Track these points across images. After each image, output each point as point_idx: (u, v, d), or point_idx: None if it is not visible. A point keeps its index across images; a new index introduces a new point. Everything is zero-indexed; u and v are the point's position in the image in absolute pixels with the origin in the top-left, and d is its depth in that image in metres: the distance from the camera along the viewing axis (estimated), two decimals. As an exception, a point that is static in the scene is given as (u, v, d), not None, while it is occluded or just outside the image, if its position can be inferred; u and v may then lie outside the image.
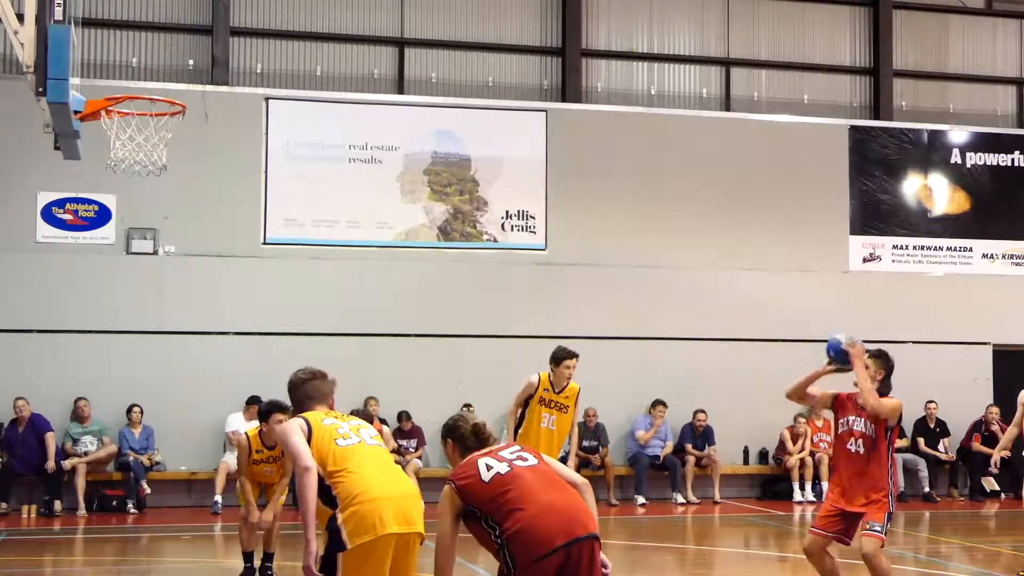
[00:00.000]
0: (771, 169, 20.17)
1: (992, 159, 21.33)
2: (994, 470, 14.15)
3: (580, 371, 18.67)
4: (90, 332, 17.18)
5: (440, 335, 18.45)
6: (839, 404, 8.88)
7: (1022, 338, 20.86)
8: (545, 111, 19.53)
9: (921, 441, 19.69)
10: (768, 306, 19.80)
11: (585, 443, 18.42)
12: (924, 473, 19.30)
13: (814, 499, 18.63)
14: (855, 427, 8.65)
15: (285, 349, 17.15)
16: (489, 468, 6.02)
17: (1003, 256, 21.25)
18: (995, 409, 19.55)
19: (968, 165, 21.14)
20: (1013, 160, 21.40)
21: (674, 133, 19.89)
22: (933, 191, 21.01)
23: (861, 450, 8.58)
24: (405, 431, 17.92)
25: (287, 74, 19.22)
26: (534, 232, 19.36)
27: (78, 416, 16.84)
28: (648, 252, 19.58)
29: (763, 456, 19.76)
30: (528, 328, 18.66)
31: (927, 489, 19.19)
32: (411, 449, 17.89)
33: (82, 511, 16.31)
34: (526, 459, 6.12)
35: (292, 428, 6.40)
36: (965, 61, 22.03)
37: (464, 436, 6.34)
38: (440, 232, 19.11)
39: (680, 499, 18.66)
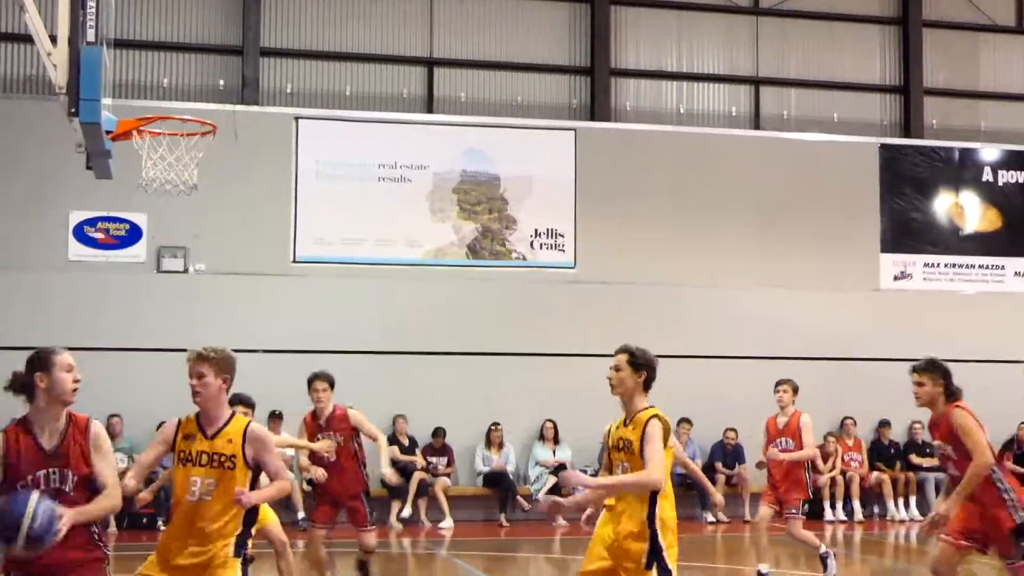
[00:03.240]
0: (801, 188, 20.40)
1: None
2: None
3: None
4: (121, 350, 17.26)
5: (469, 353, 18.48)
6: None
7: None
8: (574, 130, 19.73)
9: (953, 460, 19.34)
10: (797, 325, 19.83)
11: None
12: (957, 492, 18.94)
13: (845, 518, 18.78)
14: None
15: (314, 367, 17.08)
16: None
17: (1043, 274, 21.03)
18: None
19: (1000, 183, 21.37)
20: (1050, 176, 21.25)
21: (703, 152, 20.04)
22: (964, 209, 21.18)
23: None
24: (436, 448, 18.02)
25: (317, 94, 19.45)
26: (563, 250, 19.46)
27: (109, 433, 16.83)
28: (678, 270, 19.63)
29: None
30: (557, 346, 18.86)
31: (959, 508, 18.84)
32: (440, 467, 17.96)
33: (112, 528, 16.32)
34: None
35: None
36: (996, 79, 22.16)
37: None
38: (469, 250, 19.26)
39: (710, 518, 18.59)
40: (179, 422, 6.64)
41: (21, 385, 5.73)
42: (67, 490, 5.62)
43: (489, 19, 20.02)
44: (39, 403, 5.74)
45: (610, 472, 7.10)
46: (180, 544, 6.35)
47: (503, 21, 20.07)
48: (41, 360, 5.71)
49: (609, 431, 7.29)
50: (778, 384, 12.68)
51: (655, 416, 7.05)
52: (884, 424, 19.58)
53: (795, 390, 12.55)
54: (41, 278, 17.21)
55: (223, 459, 6.45)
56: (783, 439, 12.34)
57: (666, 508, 6.75)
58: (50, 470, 5.63)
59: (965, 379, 20.33)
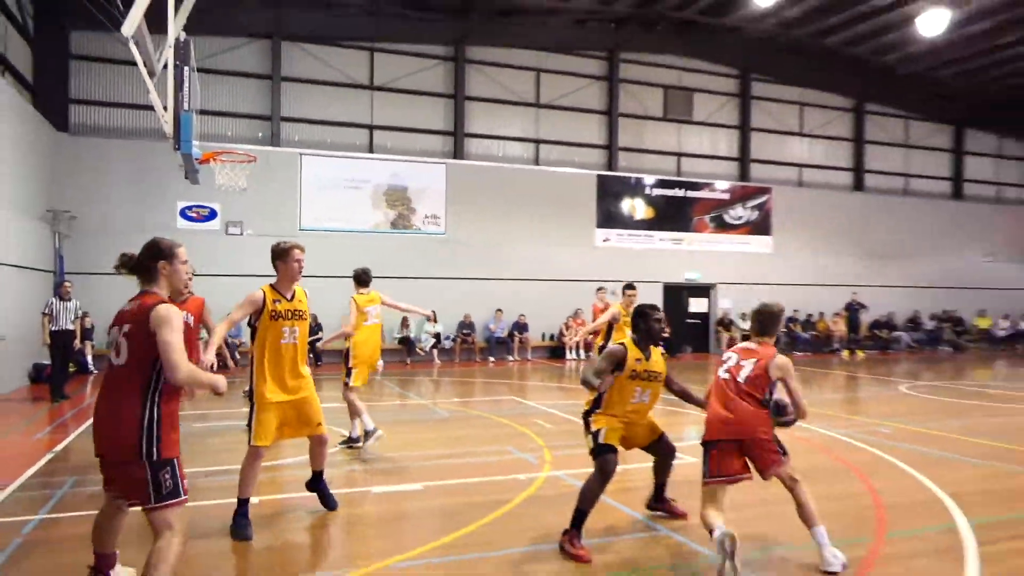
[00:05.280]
0: (558, 196, 20.68)
1: (665, 192, 21.93)
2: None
3: (473, 295, 19.06)
4: (208, 276, 16.92)
5: (394, 277, 18.06)
6: None
7: (675, 280, 21.77)
8: (446, 164, 19.75)
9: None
10: (555, 263, 20.37)
11: (465, 331, 19.04)
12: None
13: (576, 357, 19.26)
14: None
15: (311, 288, 17.23)
16: None
17: (669, 240, 21.93)
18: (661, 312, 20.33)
19: (654, 194, 21.75)
20: (675, 193, 22.03)
21: (509, 177, 20.27)
22: (637, 207, 21.55)
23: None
24: None
25: (313, 142, 19.09)
26: (439, 225, 19.57)
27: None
28: (501, 236, 19.96)
29: (551, 337, 20.34)
30: (438, 275, 19.20)
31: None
32: None
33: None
34: None
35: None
36: (653, 143, 22.19)
37: None
38: (392, 225, 19.22)
39: (511, 358, 19.34)
40: (263, 293, 5.27)
41: (137, 267, 3.72)
42: None
43: (404, 107, 19.67)
44: (159, 288, 3.69)
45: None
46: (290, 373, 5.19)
47: (411, 108, 19.77)
48: (164, 249, 3.73)
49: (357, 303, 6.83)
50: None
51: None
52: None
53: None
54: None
55: (301, 313, 5.35)
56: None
57: None
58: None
59: (640, 292, 21.01)
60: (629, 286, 9.85)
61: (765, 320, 4.90)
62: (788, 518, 4.87)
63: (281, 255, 5.31)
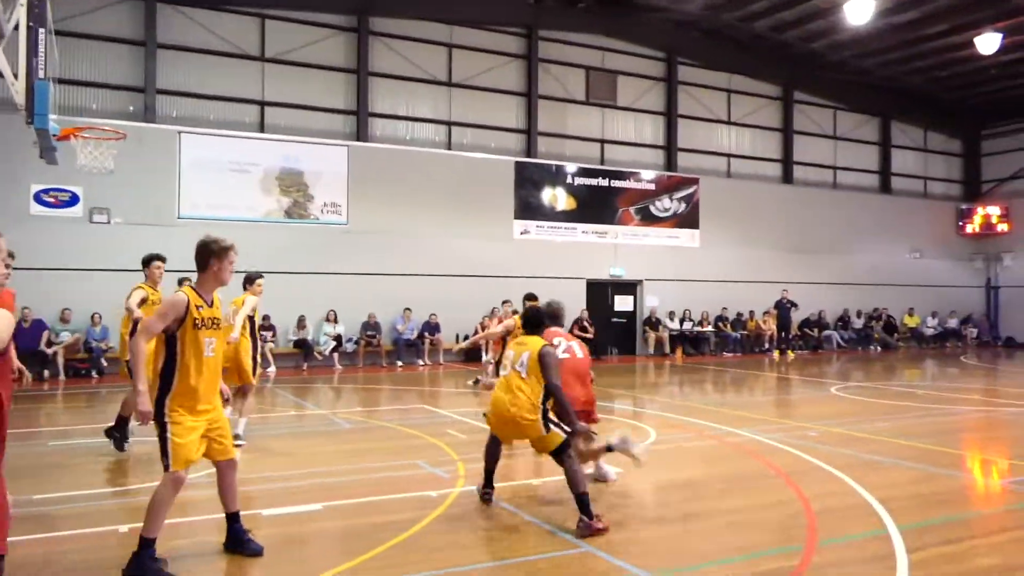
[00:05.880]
0: (473, 183, 20.70)
1: (588, 181, 22.25)
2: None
3: (378, 292, 19.21)
4: (68, 270, 16.42)
5: (286, 272, 17.92)
6: None
7: (599, 276, 22.26)
8: (347, 146, 19.52)
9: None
10: (469, 257, 20.40)
11: (370, 332, 19.01)
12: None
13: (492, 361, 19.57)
14: None
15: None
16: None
17: (593, 232, 22.30)
18: (586, 311, 20.98)
19: (576, 183, 22.03)
20: (599, 182, 22.45)
21: (418, 162, 20.17)
22: (558, 197, 21.75)
23: None
24: (266, 327, 17.46)
25: (192, 118, 18.51)
26: (340, 214, 19.31)
27: (63, 319, 16.19)
28: (410, 228, 19.82)
29: (466, 338, 20.24)
30: (337, 269, 19.01)
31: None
32: (268, 337, 17.63)
33: (62, 376, 15.94)
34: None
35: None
36: (575, 127, 22.62)
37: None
38: (286, 213, 18.88)
39: (421, 362, 19.35)
40: (187, 297, 4.82)
41: None
42: None
43: (299, 82, 19.30)
44: None
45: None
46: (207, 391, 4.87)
47: (308, 83, 19.41)
48: None
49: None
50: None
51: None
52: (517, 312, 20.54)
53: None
54: (12, 225, 15.32)
55: (218, 322, 4.95)
56: None
57: None
58: None
59: (558, 289, 21.56)
60: (529, 297, 11.43)
61: (559, 315, 6.75)
62: (762, 525, 5.66)
63: (219, 254, 4.93)
